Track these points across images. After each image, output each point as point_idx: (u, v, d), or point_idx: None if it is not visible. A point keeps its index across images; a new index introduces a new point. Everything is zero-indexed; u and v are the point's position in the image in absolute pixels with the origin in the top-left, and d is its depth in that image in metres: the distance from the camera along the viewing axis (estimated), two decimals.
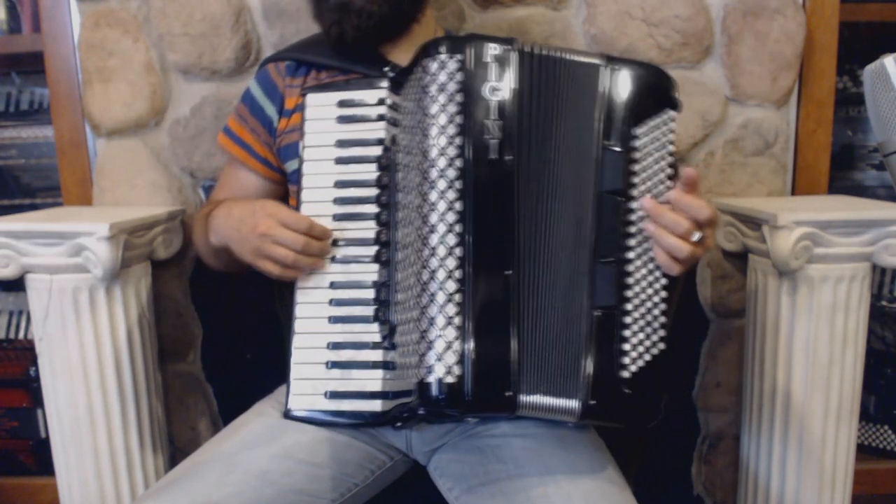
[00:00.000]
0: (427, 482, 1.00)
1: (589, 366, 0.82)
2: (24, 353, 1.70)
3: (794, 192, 1.47)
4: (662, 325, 0.84)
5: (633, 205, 0.83)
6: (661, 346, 0.84)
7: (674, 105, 0.85)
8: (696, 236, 0.81)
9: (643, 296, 0.84)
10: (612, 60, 0.85)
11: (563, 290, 0.83)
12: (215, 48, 1.36)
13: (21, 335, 1.72)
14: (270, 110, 1.10)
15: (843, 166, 1.73)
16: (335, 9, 1.00)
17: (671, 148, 0.85)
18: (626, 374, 0.83)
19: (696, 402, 1.51)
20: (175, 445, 1.49)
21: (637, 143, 0.84)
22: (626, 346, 0.83)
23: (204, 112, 1.40)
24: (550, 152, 0.84)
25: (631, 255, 0.83)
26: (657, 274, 0.84)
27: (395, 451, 1.03)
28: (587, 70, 0.85)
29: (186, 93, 1.41)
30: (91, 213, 1.31)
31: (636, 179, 0.84)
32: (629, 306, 0.83)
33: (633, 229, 0.83)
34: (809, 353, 1.23)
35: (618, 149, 0.83)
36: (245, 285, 1.48)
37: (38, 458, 1.71)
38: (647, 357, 0.84)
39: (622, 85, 0.85)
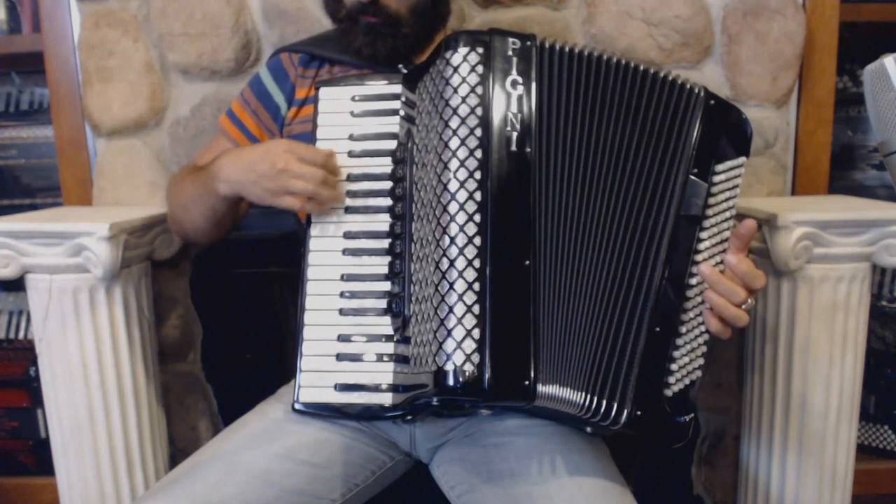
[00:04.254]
0: (428, 482, 1.00)
1: (639, 376, 0.84)
2: (24, 353, 1.70)
3: (794, 192, 1.47)
4: (703, 354, 0.87)
5: (703, 234, 0.86)
6: (699, 372, 0.87)
7: (748, 153, 0.89)
8: (748, 304, 0.84)
9: (695, 321, 0.86)
10: (710, 95, 0.88)
11: (609, 293, 0.84)
12: (215, 48, 1.36)
13: (21, 335, 1.72)
14: (279, 97, 1.11)
15: (843, 166, 1.72)
16: (367, 31, 1.02)
17: (737, 191, 0.88)
18: (668, 392, 0.85)
19: (696, 402, 1.51)
20: (175, 445, 1.49)
21: (716, 179, 0.87)
22: (674, 367, 0.85)
23: (204, 112, 1.40)
24: (588, 153, 0.84)
25: (693, 280, 0.85)
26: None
27: (396, 450, 1.02)
28: (683, 94, 0.87)
29: (186, 93, 1.41)
30: (91, 213, 1.31)
31: (709, 212, 0.86)
32: (683, 329, 0.86)
33: (699, 258, 0.85)
34: (809, 353, 1.23)
35: (702, 180, 0.86)
36: (245, 285, 1.49)
37: (38, 458, 1.71)
38: (687, 381, 0.86)
39: (719, 121, 0.88)
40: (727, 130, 0.88)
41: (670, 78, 0.87)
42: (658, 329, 0.84)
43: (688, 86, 0.88)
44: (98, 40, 1.38)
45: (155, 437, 1.32)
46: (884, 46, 0.80)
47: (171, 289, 1.45)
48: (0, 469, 1.71)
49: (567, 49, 0.85)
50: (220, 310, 1.49)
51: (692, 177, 0.86)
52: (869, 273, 1.24)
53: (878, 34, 1.59)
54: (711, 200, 0.86)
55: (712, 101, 0.88)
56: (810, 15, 1.40)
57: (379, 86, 0.96)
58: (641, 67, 0.87)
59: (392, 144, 0.93)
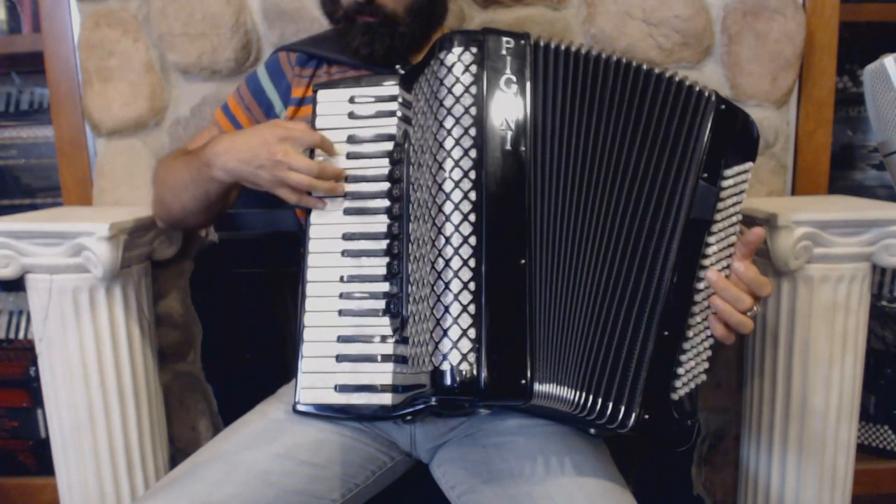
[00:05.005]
0: (428, 481, 1.00)
1: (647, 379, 0.84)
2: (24, 353, 1.70)
3: (794, 192, 1.47)
4: (708, 358, 0.87)
5: (711, 239, 0.86)
6: (704, 376, 0.87)
7: (755, 157, 0.89)
8: (753, 311, 0.84)
9: (701, 326, 0.86)
10: (721, 99, 0.88)
11: (612, 293, 0.84)
12: (215, 48, 1.36)
13: (21, 335, 1.72)
14: (272, 94, 1.12)
15: (843, 166, 1.72)
16: (364, 30, 1.02)
17: (744, 196, 0.88)
18: (675, 396, 0.85)
19: (698, 405, 1.51)
20: (175, 445, 1.49)
21: (724, 184, 0.87)
22: (680, 370, 0.85)
23: (204, 112, 1.40)
24: (586, 153, 0.84)
25: (701, 285, 0.85)
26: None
27: (396, 450, 1.03)
28: (692, 97, 0.87)
29: (186, 93, 1.41)
30: (91, 213, 1.31)
31: (718, 217, 0.86)
32: (690, 333, 0.85)
33: (707, 262, 0.85)
34: (809, 353, 1.23)
35: (711, 184, 0.86)
36: (245, 285, 1.49)
37: (38, 458, 1.71)
38: (692, 385, 0.86)
39: (729, 125, 0.88)
40: (736, 135, 0.88)
41: (677, 79, 0.87)
42: (667, 333, 0.84)
43: (697, 88, 0.87)
44: (98, 40, 1.38)
45: (155, 437, 1.32)
46: (884, 46, 0.80)
47: (171, 289, 1.45)
48: (0, 469, 1.71)
49: (563, 48, 0.85)
50: (220, 310, 1.49)
51: (702, 181, 0.86)
52: (869, 273, 1.24)
53: (878, 34, 1.58)
54: (720, 205, 0.86)
55: (723, 106, 0.88)
56: (810, 15, 1.40)
57: (376, 87, 0.96)
58: (644, 67, 0.86)
59: (389, 146, 0.94)
